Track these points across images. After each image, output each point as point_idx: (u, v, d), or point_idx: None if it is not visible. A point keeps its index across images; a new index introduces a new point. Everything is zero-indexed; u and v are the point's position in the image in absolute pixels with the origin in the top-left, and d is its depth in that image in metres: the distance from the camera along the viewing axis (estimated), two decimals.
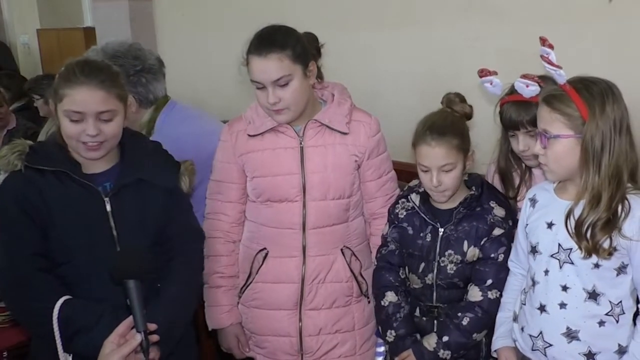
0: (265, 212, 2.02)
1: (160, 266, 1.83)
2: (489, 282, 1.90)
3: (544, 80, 1.84)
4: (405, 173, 2.12)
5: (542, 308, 1.69)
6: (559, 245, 1.65)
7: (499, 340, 1.86)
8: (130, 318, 1.48)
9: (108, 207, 1.74)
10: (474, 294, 1.90)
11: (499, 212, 1.92)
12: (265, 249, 2.05)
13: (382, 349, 2.12)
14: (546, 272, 1.68)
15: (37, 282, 1.67)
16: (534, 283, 1.72)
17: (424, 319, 1.98)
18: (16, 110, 4.39)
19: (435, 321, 1.96)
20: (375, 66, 3.18)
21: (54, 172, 1.71)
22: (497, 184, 2.04)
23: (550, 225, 1.68)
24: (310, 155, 1.97)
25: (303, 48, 1.89)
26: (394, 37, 3.07)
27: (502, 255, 1.90)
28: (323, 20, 3.00)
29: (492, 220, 1.90)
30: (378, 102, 2.97)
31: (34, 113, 4.39)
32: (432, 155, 1.84)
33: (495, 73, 1.87)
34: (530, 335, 1.72)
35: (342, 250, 2.05)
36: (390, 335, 1.96)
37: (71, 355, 1.64)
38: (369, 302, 2.12)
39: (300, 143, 1.97)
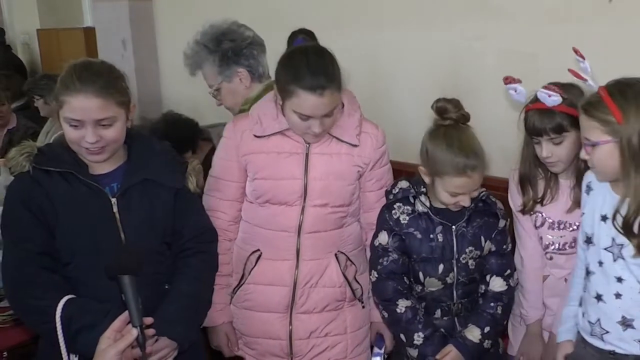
0: (262, 214, 2.01)
1: (175, 267, 1.84)
2: (508, 271, 1.99)
3: (566, 88, 1.85)
4: (405, 173, 2.11)
5: (598, 297, 1.74)
6: (613, 239, 1.69)
7: (564, 334, 1.91)
8: (126, 313, 1.48)
9: (115, 208, 1.74)
10: (499, 284, 1.98)
11: (500, 204, 1.99)
12: (258, 250, 2.03)
13: (382, 349, 2.12)
14: (600, 263, 1.72)
15: (41, 281, 1.68)
16: (588, 273, 1.77)
17: (444, 319, 1.98)
18: (15, 110, 4.39)
19: (455, 318, 1.98)
20: (374, 66, 3.18)
21: (61, 173, 1.71)
22: (513, 189, 2.06)
23: (604, 218, 1.72)
24: (315, 162, 1.95)
25: (340, 71, 1.87)
26: (394, 38, 3.07)
27: (510, 245, 2.01)
28: (323, 21, 3.01)
29: (500, 213, 1.98)
30: (377, 102, 2.97)
31: (33, 112, 4.40)
32: (471, 184, 1.85)
33: (519, 81, 1.87)
34: (589, 322, 1.78)
35: (336, 255, 2.04)
36: (419, 338, 1.94)
37: (77, 356, 1.64)
38: (363, 306, 2.10)
39: (307, 149, 1.95)
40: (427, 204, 1.95)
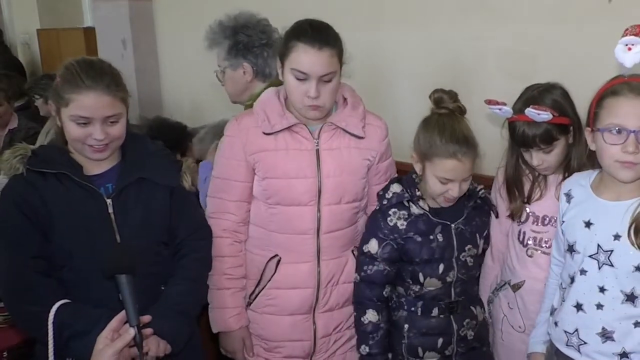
0: (276, 218, 1.97)
1: (171, 266, 1.84)
2: None
3: (548, 90, 1.85)
4: (403, 173, 2.11)
5: (578, 306, 1.68)
6: (599, 246, 1.63)
7: (536, 345, 1.87)
8: (123, 313, 1.47)
9: (110, 209, 1.74)
10: None
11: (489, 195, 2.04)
12: (277, 255, 2.00)
13: None
14: (583, 271, 1.66)
15: (35, 285, 1.67)
16: (572, 281, 1.70)
17: (441, 316, 1.99)
18: (16, 110, 4.39)
19: (451, 316, 1.99)
20: (374, 66, 3.18)
21: (55, 174, 1.71)
22: (502, 192, 2.05)
23: (588, 224, 1.66)
24: (326, 159, 1.93)
25: (343, 49, 1.91)
26: (393, 37, 3.07)
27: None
28: (323, 19, 3.00)
29: (494, 211, 2.02)
30: (376, 102, 2.96)
31: (33, 112, 4.40)
32: (461, 169, 1.84)
33: (504, 104, 1.86)
34: (565, 332, 1.71)
35: (352, 251, 2.05)
36: (364, 350, 1.99)
37: (72, 359, 1.64)
38: None
39: (316, 145, 1.94)
40: (426, 207, 1.94)
